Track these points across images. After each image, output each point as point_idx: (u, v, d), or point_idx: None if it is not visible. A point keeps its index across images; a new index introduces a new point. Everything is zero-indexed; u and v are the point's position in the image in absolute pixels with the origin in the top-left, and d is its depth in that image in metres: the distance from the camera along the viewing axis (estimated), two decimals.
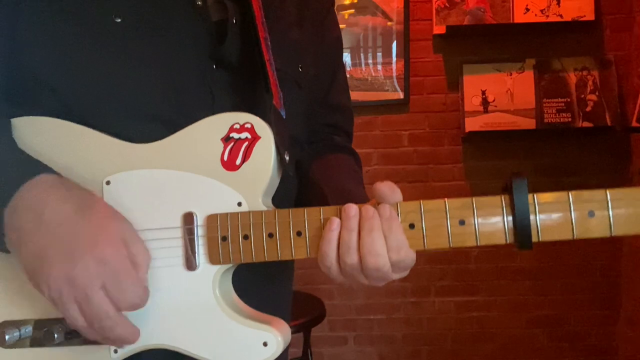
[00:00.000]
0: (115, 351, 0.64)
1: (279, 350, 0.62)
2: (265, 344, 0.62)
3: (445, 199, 0.59)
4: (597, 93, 2.61)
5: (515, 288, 2.76)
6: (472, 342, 2.81)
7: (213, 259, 0.63)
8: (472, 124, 2.63)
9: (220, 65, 0.71)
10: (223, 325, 0.63)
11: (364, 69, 2.70)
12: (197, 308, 0.63)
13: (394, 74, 2.69)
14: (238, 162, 0.64)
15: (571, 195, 0.57)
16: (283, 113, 0.70)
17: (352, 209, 0.60)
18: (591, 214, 0.57)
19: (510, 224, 0.58)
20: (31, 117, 0.67)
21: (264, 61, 0.69)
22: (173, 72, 0.69)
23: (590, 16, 2.57)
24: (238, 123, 0.64)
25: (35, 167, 0.62)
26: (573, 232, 0.57)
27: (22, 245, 0.60)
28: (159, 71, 0.68)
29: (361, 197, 0.75)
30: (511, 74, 2.64)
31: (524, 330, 2.78)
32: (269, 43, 0.71)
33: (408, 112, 2.73)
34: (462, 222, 0.59)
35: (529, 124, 2.61)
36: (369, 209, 0.60)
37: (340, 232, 0.60)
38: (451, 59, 2.69)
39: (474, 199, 0.59)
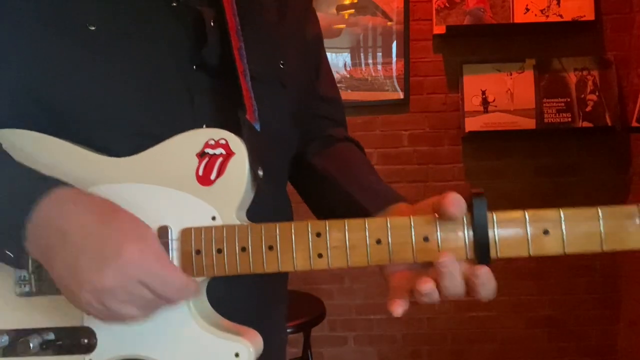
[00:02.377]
0: None
1: None
2: (237, 355, 0.64)
3: (411, 216, 0.61)
4: (597, 93, 2.61)
5: (515, 288, 2.75)
6: (472, 342, 2.81)
7: (187, 272, 0.64)
8: (472, 124, 2.63)
9: (201, 68, 0.71)
10: (196, 336, 0.64)
11: (364, 69, 2.70)
12: (171, 319, 0.64)
13: (394, 74, 2.69)
14: (212, 177, 0.65)
15: (527, 214, 0.59)
16: (257, 126, 0.70)
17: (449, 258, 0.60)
18: (546, 232, 0.59)
19: (471, 241, 0.60)
20: (8, 130, 0.67)
21: (237, 73, 0.69)
22: (151, 76, 0.68)
23: (590, 16, 2.57)
24: (213, 139, 0.65)
25: (46, 182, 0.61)
26: (529, 250, 0.59)
27: (49, 261, 0.59)
28: (136, 76, 0.68)
29: (391, 193, 0.76)
30: (511, 74, 2.64)
31: (524, 330, 2.78)
32: (244, 52, 0.70)
33: (408, 112, 2.73)
34: (426, 239, 0.61)
35: (529, 124, 2.61)
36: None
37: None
38: (451, 59, 2.69)
39: (437, 217, 0.61)
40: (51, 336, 0.66)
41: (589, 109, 2.61)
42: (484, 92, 2.64)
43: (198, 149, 0.65)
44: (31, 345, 0.64)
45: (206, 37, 0.69)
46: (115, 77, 0.67)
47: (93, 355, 0.65)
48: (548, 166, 2.71)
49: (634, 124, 2.50)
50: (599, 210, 0.59)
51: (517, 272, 2.74)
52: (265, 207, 0.70)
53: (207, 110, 0.70)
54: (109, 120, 0.67)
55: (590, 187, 2.69)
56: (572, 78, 2.63)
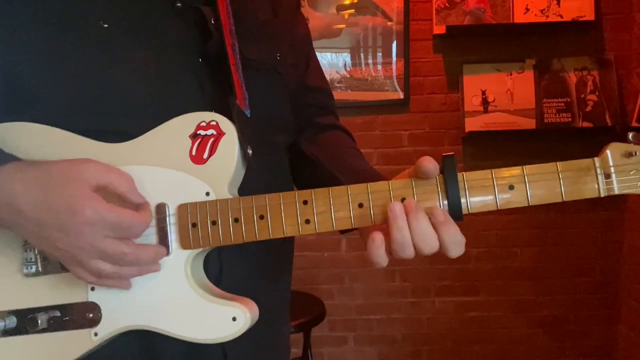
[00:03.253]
0: (96, 334, 0.69)
1: (246, 325, 0.67)
2: (234, 319, 0.67)
3: (389, 181, 0.66)
4: (597, 93, 2.61)
5: (515, 288, 2.76)
6: (472, 342, 2.81)
7: (184, 244, 0.68)
8: (472, 124, 2.63)
9: (206, 60, 0.76)
10: (195, 304, 0.68)
11: (364, 69, 2.70)
12: (171, 290, 0.68)
13: (394, 74, 2.69)
14: (205, 156, 0.69)
15: (494, 172, 0.65)
16: (248, 112, 0.75)
17: (397, 206, 0.64)
18: (511, 187, 0.65)
19: (444, 199, 0.65)
20: (9, 123, 0.70)
21: (229, 65, 0.74)
22: (164, 69, 0.73)
23: (590, 16, 2.57)
24: (204, 121, 0.70)
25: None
26: (497, 204, 0.65)
27: (14, 229, 0.66)
28: (150, 69, 0.72)
29: (374, 174, 0.80)
30: (511, 74, 2.64)
31: (524, 330, 2.78)
32: (237, 49, 0.76)
33: (408, 112, 2.73)
34: (403, 200, 0.66)
35: (529, 124, 2.61)
36: (410, 202, 0.64)
37: (390, 233, 0.63)
38: (451, 59, 2.69)
39: (412, 180, 0.66)
40: (57, 313, 0.69)
41: (589, 109, 2.61)
42: (484, 92, 2.64)
43: (191, 131, 0.70)
44: (39, 321, 0.68)
45: (210, 33, 0.74)
46: (130, 71, 0.71)
47: (98, 328, 0.69)
48: None
49: (634, 124, 2.50)
50: (558, 165, 0.65)
51: (517, 272, 2.75)
52: (265, 186, 0.73)
53: (213, 98, 0.75)
54: (126, 112, 0.71)
55: None
56: (572, 78, 2.63)
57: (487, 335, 2.80)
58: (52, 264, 0.70)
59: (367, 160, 0.89)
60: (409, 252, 0.64)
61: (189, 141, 0.69)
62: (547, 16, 2.59)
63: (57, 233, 0.62)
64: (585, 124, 2.61)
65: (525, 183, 0.64)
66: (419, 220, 0.63)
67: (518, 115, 2.62)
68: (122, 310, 0.69)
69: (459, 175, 0.64)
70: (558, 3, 2.58)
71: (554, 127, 2.62)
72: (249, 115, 0.75)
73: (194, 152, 0.69)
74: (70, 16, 0.70)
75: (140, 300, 0.68)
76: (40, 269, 0.70)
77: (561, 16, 2.59)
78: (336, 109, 1.00)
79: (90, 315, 0.69)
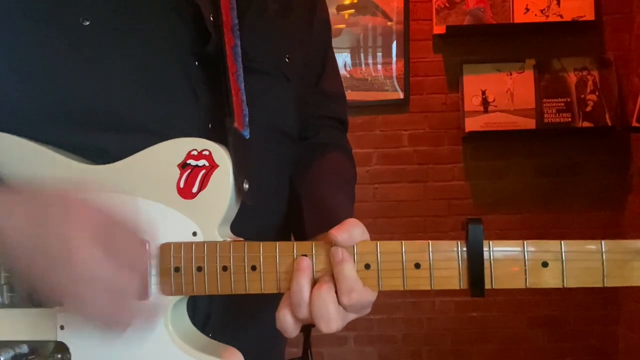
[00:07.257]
0: None
1: None
2: None
3: (403, 241, 0.59)
4: (597, 93, 2.61)
5: (515, 288, 2.75)
6: (472, 342, 2.81)
7: (165, 290, 0.61)
8: (472, 124, 2.63)
9: (203, 64, 0.68)
10: (173, 358, 0.61)
11: (363, 69, 2.70)
12: (148, 340, 0.61)
13: (394, 74, 2.69)
14: (194, 190, 0.61)
15: (526, 244, 0.58)
16: (247, 133, 0.67)
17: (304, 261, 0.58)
18: (545, 264, 0.57)
19: (465, 270, 0.58)
20: None
21: (227, 74, 0.66)
22: (151, 72, 0.65)
23: (590, 16, 2.57)
24: (196, 149, 0.62)
25: None
26: (526, 282, 0.58)
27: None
28: (136, 72, 0.65)
29: (341, 216, 0.71)
30: (511, 74, 2.64)
31: (524, 330, 2.78)
32: (239, 50, 0.67)
33: (408, 112, 2.73)
34: (417, 266, 0.59)
35: (529, 124, 2.61)
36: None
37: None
38: (451, 59, 2.69)
39: (430, 243, 0.59)
40: (24, 349, 0.63)
41: (589, 109, 2.61)
42: (484, 92, 2.64)
43: (180, 160, 0.62)
44: (2, 359, 0.61)
45: (208, 32, 0.66)
46: (112, 74, 0.64)
47: None
48: (548, 166, 2.71)
49: (634, 124, 2.50)
50: (602, 244, 0.57)
51: None
52: (248, 222, 0.67)
53: (210, 112, 0.67)
54: (107, 126, 0.64)
55: (590, 187, 2.69)
56: (572, 78, 2.63)
57: (487, 335, 2.80)
58: (19, 296, 0.63)
59: (344, 193, 0.78)
60: (304, 313, 0.58)
61: (177, 171, 0.61)
62: (547, 16, 2.59)
63: (56, 283, 0.54)
64: (585, 124, 2.61)
65: (562, 261, 0.57)
66: (321, 294, 0.57)
67: (518, 115, 2.62)
68: (92, 357, 0.61)
69: (485, 243, 0.57)
70: (558, 3, 2.59)
71: (554, 127, 2.62)
72: (248, 137, 0.67)
73: (182, 185, 0.61)
74: (50, 12, 0.62)
75: (115, 349, 0.61)
76: (6, 300, 0.63)
77: (561, 16, 2.59)
78: (347, 117, 0.90)
79: (59, 356, 0.62)
